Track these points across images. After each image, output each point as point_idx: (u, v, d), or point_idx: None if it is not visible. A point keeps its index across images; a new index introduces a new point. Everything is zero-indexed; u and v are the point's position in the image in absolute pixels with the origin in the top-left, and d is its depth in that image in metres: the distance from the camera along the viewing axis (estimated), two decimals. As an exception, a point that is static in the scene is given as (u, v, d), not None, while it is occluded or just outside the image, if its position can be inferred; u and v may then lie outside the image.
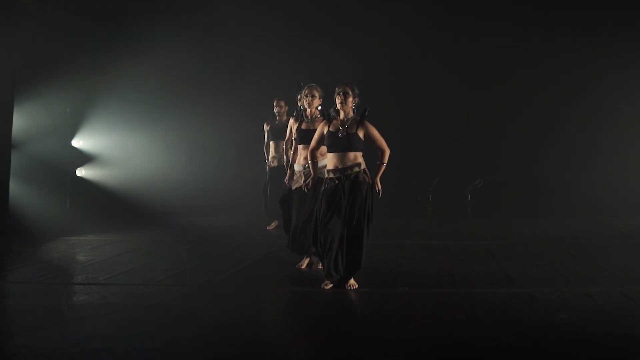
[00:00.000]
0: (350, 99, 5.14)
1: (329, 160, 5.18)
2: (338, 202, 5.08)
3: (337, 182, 5.10)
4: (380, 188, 5.17)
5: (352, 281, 5.15)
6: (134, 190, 10.32)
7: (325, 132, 5.20)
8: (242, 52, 10.68)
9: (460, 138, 10.71)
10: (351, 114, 5.18)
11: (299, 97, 6.17)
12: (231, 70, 10.76)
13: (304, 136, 5.73)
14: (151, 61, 10.24)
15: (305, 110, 5.85)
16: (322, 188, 5.21)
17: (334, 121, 5.19)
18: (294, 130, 5.94)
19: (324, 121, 5.25)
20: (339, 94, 5.14)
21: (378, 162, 5.18)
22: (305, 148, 5.70)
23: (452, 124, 10.68)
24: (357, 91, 5.19)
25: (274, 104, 8.42)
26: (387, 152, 5.19)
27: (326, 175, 5.19)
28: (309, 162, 5.37)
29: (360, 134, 5.10)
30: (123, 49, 9.83)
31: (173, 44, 10.32)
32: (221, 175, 10.76)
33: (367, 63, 10.26)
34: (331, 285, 5.13)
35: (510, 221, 9.35)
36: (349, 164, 5.09)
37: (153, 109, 10.60)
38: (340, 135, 5.10)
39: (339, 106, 5.15)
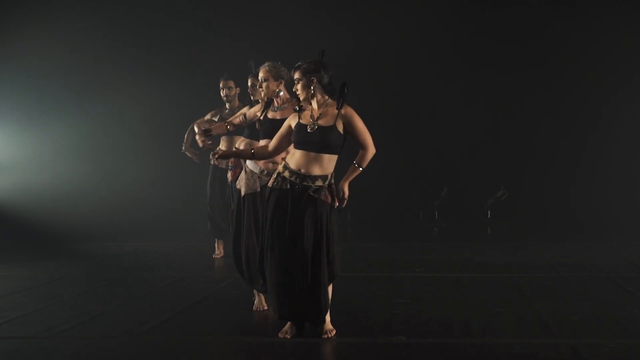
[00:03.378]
0: (313, 87, 5.09)
1: (294, 157, 5.13)
2: (284, 213, 5.07)
3: (288, 186, 5.08)
4: (347, 195, 5.10)
5: (328, 326, 5.13)
6: (27, 206, 10.27)
7: (293, 125, 5.18)
8: (178, 18, 10.70)
9: (475, 134, 10.82)
10: (325, 98, 5.16)
11: (249, 83, 6.20)
12: (163, 44, 10.77)
13: (270, 128, 5.72)
14: (51, 35, 10.25)
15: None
16: (269, 188, 5.18)
17: (307, 111, 5.18)
18: (249, 116, 5.94)
19: (294, 112, 5.23)
20: (294, 82, 5.16)
21: (355, 163, 5.13)
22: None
23: (464, 115, 10.79)
24: (324, 71, 5.10)
25: (220, 86, 8.44)
26: (371, 152, 5.15)
27: (279, 169, 5.16)
28: (251, 150, 5.37)
29: (340, 127, 5.08)
30: (11, 19, 9.83)
31: (80, 11, 10.35)
32: (150, 185, 10.74)
33: (348, 35, 10.39)
34: (292, 333, 5.14)
35: (545, 246, 9.41)
36: (315, 172, 5.05)
37: (56, 99, 10.64)
38: (310, 129, 5.07)
39: (300, 97, 5.16)
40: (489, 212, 10.76)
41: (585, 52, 10.62)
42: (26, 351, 4.99)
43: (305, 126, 5.09)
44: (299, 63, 5.15)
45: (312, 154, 5.06)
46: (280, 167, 5.15)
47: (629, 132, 10.60)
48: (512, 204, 10.73)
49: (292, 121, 5.21)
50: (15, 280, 7.43)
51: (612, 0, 10.53)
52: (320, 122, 5.07)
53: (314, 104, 5.15)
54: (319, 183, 5.06)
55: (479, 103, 10.78)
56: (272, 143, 5.30)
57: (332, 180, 5.12)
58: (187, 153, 8.62)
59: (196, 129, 7.37)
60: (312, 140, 5.05)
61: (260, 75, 5.79)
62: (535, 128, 10.74)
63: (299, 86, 5.12)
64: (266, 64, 5.82)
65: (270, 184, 5.18)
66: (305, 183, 5.05)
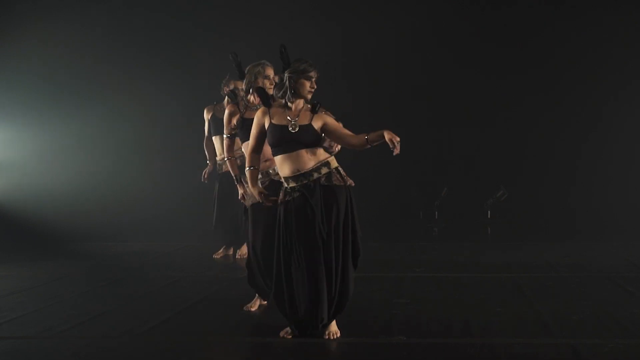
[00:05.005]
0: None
1: (280, 165, 5.12)
2: (305, 221, 5.05)
3: (297, 193, 5.06)
4: (393, 136, 4.87)
5: (333, 328, 5.13)
6: (27, 206, 10.27)
7: (266, 124, 5.14)
8: (178, 18, 10.71)
9: (475, 134, 10.81)
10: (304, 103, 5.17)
11: (228, 78, 6.15)
12: (163, 44, 10.77)
13: (249, 127, 5.68)
14: (51, 33, 10.27)
15: (246, 94, 5.85)
16: (280, 199, 5.16)
17: (278, 109, 5.14)
18: (233, 122, 5.88)
19: (263, 108, 5.19)
20: (310, 78, 5.08)
21: (364, 136, 4.97)
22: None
23: (464, 115, 10.79)
24: None
25: (232, 86, 8.32)
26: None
27: (284, 184, 5.15)
28: (247, 168, 5.24)
29: (316, 125, 5.06)
30: (11, 19, 9.83)
31: (80, 11, 10.37)
32: (150, 185, 10.73)
33: (348, 35, 10.44)
34: (296, 332, 5.15)
35: (545, 246, 9.41)
36: (311, 164, 5.04)
37: (56, 99, 10.66)
38: (291, 129, 5.05)
39: (308, 95, 5.11)
40: (489, 212, 10.75)
41: (585, 52, 10.62)
42: (26, 351, 4.98)
43: (283, 126, 5.05)
44: (313, 62, 5.13)
45: (293, 153, 5.03)
46: (284, 182, 5.14)
47: (628, 132, 10.60)
48: (512, 204, 10.73)
49: (263, 120, 5.14)
50: (15, 280, 7.43)
51: (612, 0, 10.53)
52: (297, 122, 5.06)
53: (293, 106, 5.11)
54: (325, 170, 5.06)
55: (479, 103, 10.78)
56: (255, 144, 5.20)
57: (338, 166, 5.10)
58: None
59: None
60: (292, 139, 5.01)
61: (272, 73, 5.78)
62: (535, 128, 10.74)
63: (314, 85, 5.10)
64: (266, 61, 5.83)
65: (280, 199, 5.14)
66: (312, 178, 5.04)
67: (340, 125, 5.15)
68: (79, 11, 10.68)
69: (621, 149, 10.61)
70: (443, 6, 10.79)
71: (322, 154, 5.09)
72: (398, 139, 4.85)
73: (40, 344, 5.13)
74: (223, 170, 8.43)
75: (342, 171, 5.11)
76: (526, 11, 10.67)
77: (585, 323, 5.54)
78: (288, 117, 5.08)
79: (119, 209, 10.60)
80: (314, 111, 5.10)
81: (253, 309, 5.97)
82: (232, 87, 8.18)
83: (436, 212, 10.83)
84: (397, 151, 4.84)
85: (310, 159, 5.04)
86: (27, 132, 10.69)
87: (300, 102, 5.13)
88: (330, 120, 5.11)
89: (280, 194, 5.16)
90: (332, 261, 5.04)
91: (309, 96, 5.12)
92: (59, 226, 10.25)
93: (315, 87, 5.11)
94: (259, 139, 5.19)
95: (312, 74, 5.09)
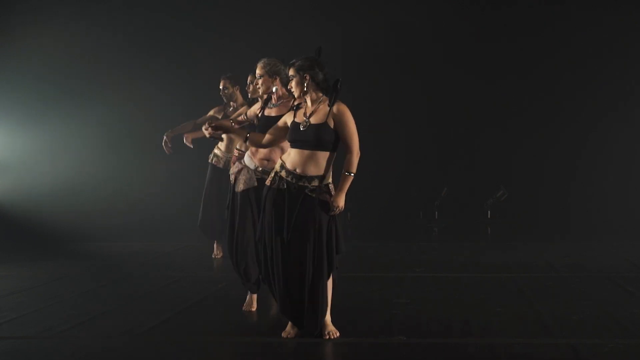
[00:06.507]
0: (307, 84, 5.06)
1: (290, 156, 5.11)
2: (281, 213, 5.05)
3: (284, 185, 5.05)
4: (339, 206, 5.03)
5: (331, 327, 5.13)
6: (27, 206, 10.27)
7: (289, 122, 5.17)
8: (178, 18, 10.72)
9: (475, 134, 10.82)
10: (319, 95, 5.12)
11: (248, 80, 6.24)
12: (163, 44, 10.78)
13: (265, 125, 5.70)
14: (50, 33, 10.26)
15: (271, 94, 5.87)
16: (267, 187, 5.16)
17: (302, 108, 5.17)
18: (249, 115, 5.89)
19: (291, 110, 5.22)
20: (291, 78, 5.13)
21: (345, 172, 5.04)
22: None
23: (464, 116, 10.80)
24: (318, 69, 5.08)
25: (220, 86, 8.34)
26: (356, 155, 5.05)
27: (276, 168, 5.15)
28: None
29: (331, 124, 5.04)
30: (11, 16, 9.84)
31: (80, 11, 10.39)
32: (150, 185, 10.74)
33: (348, 35, 10.44)
34: (295, 333, 5.14)
35: (545, 246, 9.41)
36: (311, 172, 5.02)
37: (56, 99, 10.67)
38: (302, 127, 5.05)
39: (295, 93, 5.13)
40: (489, 212, 10.76)
41: (585, 53, 10.63)
42: (26, 351, 4.98)
43: (298, 124, 5.08)
44: (294, 60, 5.14)
45: (307, 152, 5.03)
46: (277, 166, 5.15)
47: (628, 132, 10.61)
48: (512, 204, 10.73)
49: (288, 118, 5.21)
50: (15, 280, 7.43)
51: (612, 0, 10.53)
52: (312, 119, 5.04)
53: (308, 101, 5.13)
54: (315, 183, 5.03)
55: (479, 103, 10.78)
56: (267, 135, 5.29)
57: (330, 181, 5.09)
58: (166, 137, 8.39)
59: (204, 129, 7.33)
60: (304, 138, 5.03)
61: (257, 72, 5.80)
62: (535, 128, 10.75)
63: (292, 83, 5.11)
64: (262, 60, 5.83)
65: (267, 182, 5.17)
66: (301, 183, 5.03)
67: (350, 134, 5.02)
68: (78, 11, 10.69)
69: (621, 149, 10.62)
70: (443, 6, 10.80)
71: (323, 164, 5.03)
72: (337, 212, 5.02)
73: (40, 344, 5.13)
74: (214, 163, 8.37)
75: (332, 189, 5.05)
76: (526, 11, 10.67)
77: (585, 323, 5.54)
78: (303, 116, 5.09)
79: (119, 209, 10.60)
80: (332, 103, 5.05)
81: (253, 309, 5.97)
82: (222, 88, 8.22)
83: (436, 212, 10.84)
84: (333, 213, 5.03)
85: (312, 167, 5.02)
86: (27, 132, 10.69)
87: (312, 97, 5.10)
88: (345, 121, 5.01)
89: (270, 176, 5.17)
90: (301, 274, 5.00)
91: (296, 93, 5.11)
92: (59, 226, 10.25)
93: (292, 85, 5.10)
94: (273, 131, 5.25)
95: (288, 72, 5.15)
